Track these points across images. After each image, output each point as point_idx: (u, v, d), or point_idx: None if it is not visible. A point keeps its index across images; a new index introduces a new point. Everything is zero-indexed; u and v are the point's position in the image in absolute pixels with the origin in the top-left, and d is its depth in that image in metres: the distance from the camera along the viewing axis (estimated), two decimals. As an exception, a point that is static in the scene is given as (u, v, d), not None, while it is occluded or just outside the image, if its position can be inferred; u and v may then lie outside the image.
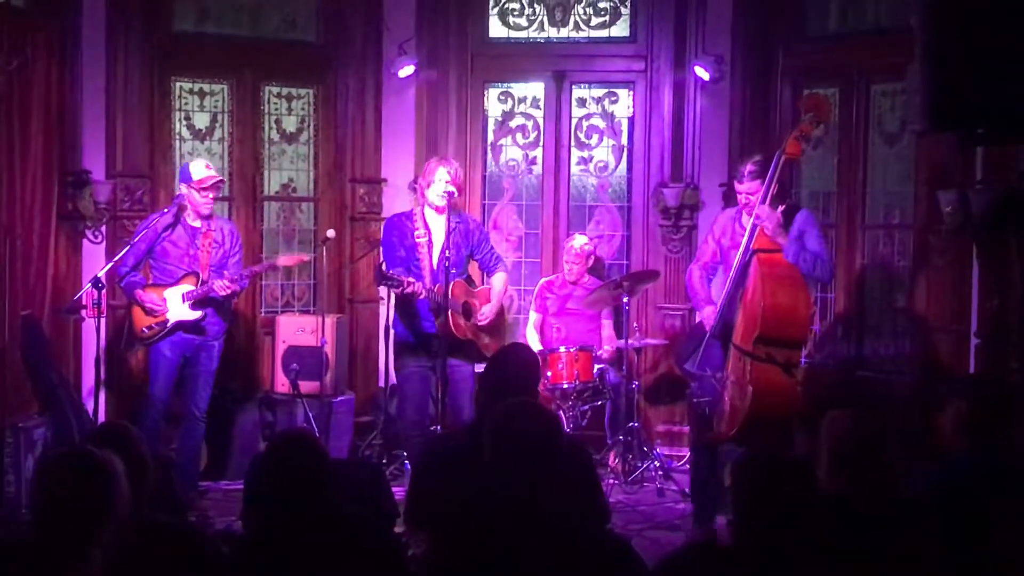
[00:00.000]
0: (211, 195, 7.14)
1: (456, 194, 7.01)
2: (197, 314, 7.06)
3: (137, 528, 3.06)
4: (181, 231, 7.13)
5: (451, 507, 4.18)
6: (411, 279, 6.78)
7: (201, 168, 7.15)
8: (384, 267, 6.80)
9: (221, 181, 7.38)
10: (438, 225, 7.05)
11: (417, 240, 7.01)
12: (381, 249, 7.24)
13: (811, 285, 6.71)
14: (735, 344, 6.27)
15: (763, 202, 6.34)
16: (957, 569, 3.44)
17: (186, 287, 7.05)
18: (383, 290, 7.97)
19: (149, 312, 7.00)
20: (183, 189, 7.14)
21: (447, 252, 6.82)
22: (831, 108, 7.27)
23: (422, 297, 6.81)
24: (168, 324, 7.02)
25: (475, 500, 3.97)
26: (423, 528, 4.44)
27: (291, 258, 7.78)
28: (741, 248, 6.39)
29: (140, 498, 3.62)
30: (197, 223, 7.15)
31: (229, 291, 7.08)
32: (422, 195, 7.14)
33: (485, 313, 7.11)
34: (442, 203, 6.98)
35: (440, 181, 6.98)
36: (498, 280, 7.30)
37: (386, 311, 7.67)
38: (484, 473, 3.96)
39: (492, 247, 7.42)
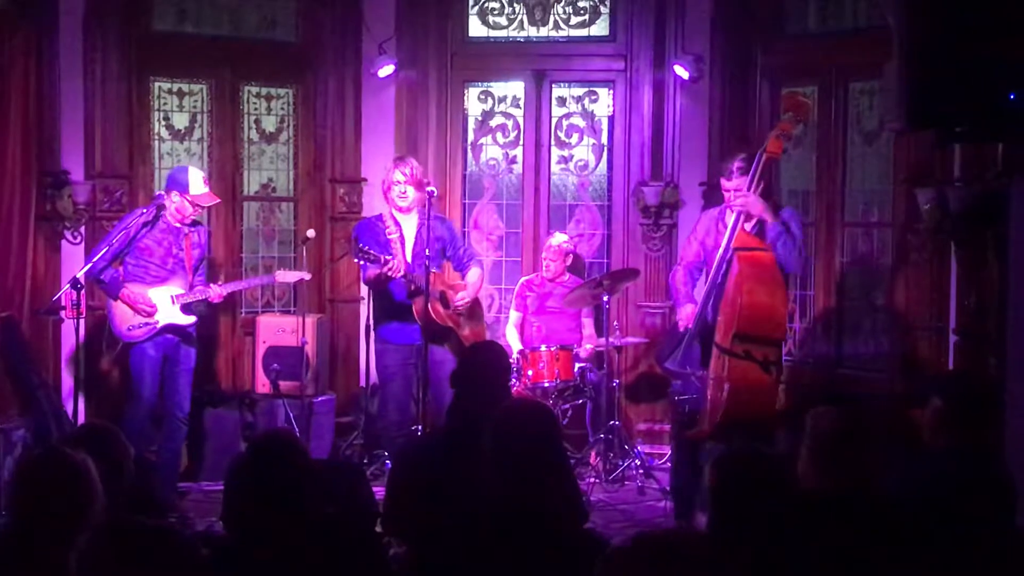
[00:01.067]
0: (201, 211, 7.18)
1: (434, 193, 7.13)
2: (191, 319, 7.06)
3: (115, 530, 3.05)
4: (165, 230, 7.07)
5: (428, 508, 4.18)
6: (388, 256, 6.91)
7: (200, 183, 7.09)
8: (359, 242, 6.92)
9: (218, 204, 7.40)
10: (409, 223, 7.26)
11: (389, 237, 7.19)
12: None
13: (788, 280, 6.73)
14: (716, 342, 6.29)
15: (748, 191, 6.40)
16: (934, 565, 3.45)
17: (175, 289, 7.00)
18: (364, 289, 7.98)
19: (140, 313, 6.96)
20: (174, 197, 7.05)
21: (426, 250, 6.87)
22: (811, 107, 7.30)
23: (399, 276, 6.91)
24: (157, 326, 6.99)
25: (452, 501, 3.97)
26: (401, 529, 4.45)
27: (291, 275, 7.61)
28: (722, 246, 6.41)
29: (119, 499, 3.61)
30: (178, 224, 7.11)
31: (222, 299, 7.14)
32: (386, 199, 7.31)
33: (461, 296, 7.24)
34: (403, 203, 7.22)
35: (398, 183, 7.13)
36: (473, 274, 7.46)
37: (367, 310, 7.66)
38: (465, 473, 3.97)
39: (464, 245, 7.58)
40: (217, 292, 7.04)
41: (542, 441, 3.82)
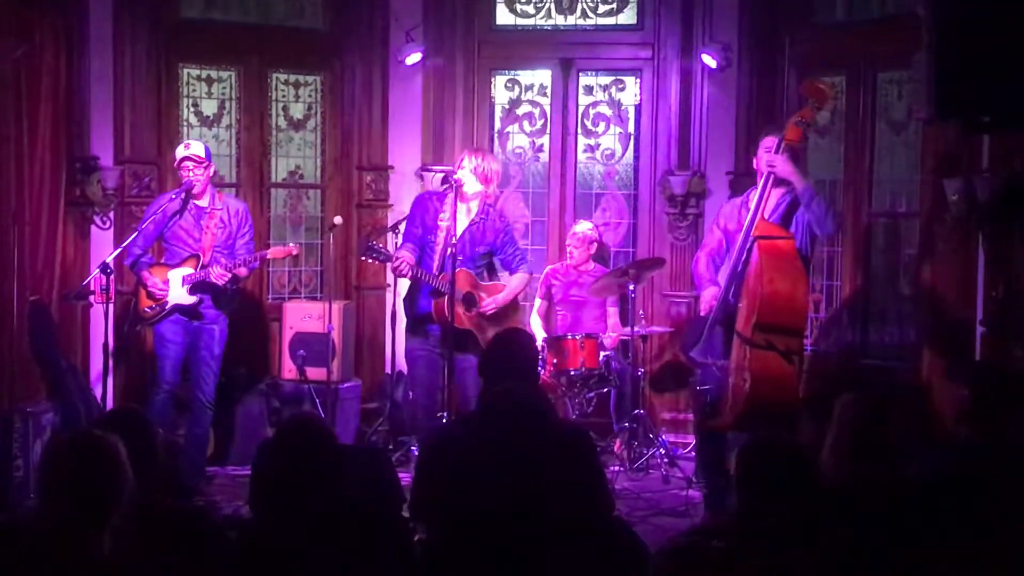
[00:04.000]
0: (185, 175, 7.05)
1: (461, 182, 6.91)
2: (193, 299, 7.05)
3: (146, 512, 3.08)
4: (188, 212, 7.14)
5: (454, 496, 4.19)
6: (398, 255, 6.76)
7: (180, 149, 7.17)
8: (369, 239, 6.81)
9: (187, 159, 7.07)
10: (465, 212, 6.99)
11: (439, 223, 6.94)
12: (405, 222, 7.24)
13: (810, 269, 6.67)
14: (736, 331, 6.28)
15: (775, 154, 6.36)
16: (955, 555, 3.45)
17: (187, 270, 7.06)
18: (390, 276, 7.99)
19: (149, 295, 7.05)
20: None
21: (452, 239, 6.77)
22: (830, 93, 7.23)
23: (406, 275, 6.80)
24: (167, 306, 7.05)
25: (477, 487, 3.98)
26: (428, 515, 4.46)
27: (280, 251, 7.55)
28: (742, 234, 6.37)
29: (150, 482, 3.65)
30: (203, 203, 7.15)
31: (225, 279, 7.04)
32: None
33: (488, 302, 7.06)
34: (464, 189, 6.93)
35: (461, 168, 6.95)
36: (515, 279, 7.24)
37: (392, 298, 7.67)
38: (485, 460, 3.98)
39: (517, 248, 7.30)
40: (218, 273, 7.02)
41: (531, 427, 3.82)
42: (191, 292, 7.05)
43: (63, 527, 3.17)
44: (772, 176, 6.36)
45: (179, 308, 7.07)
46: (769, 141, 6.49)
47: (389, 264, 6.89)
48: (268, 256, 7.50)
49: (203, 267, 7.03)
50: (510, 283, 7.24)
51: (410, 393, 7.63)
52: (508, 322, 7.18)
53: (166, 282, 7.03)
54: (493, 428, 3.88)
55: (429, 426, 6.88)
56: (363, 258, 7.08)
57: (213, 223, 7.13)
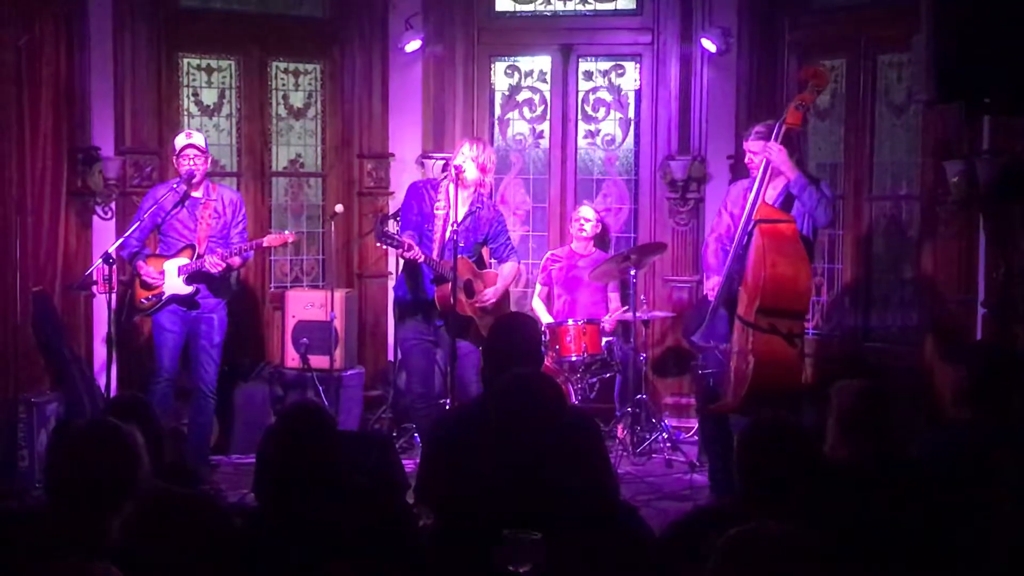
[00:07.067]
0: (186, 164, 7.06)
1: (462, 168, 6.86)
2: (189, 289, 7.07)
3: (156, 499, 3.10)
4: (186, 203, 7.16)
5: (460, 481, 4.21)
6: (411, 242, 6.66)
7: (181, 137, 7.19)
8: (385, 223, 6.74)
9: (189, 146, 7.10)
10: (463, 202, 6.88)
11: (436, 211, 6.89)
12: (400, 210, 7.22)
13: (813, 253, 6.68)
14: (738, 315, 6.28)
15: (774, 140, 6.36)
16: (956, 536, 3.47)
17: (183, 260, 7.08)
18: (391, 264, 7.97)
19: (144, 286, 7.06)
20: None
21: (453, 225, 6.71)
22: (829, 77, 7.22)
23: (420, 261, 6.70)
24: (164, 296, 7.07)
25: (483, 473, 3.99)
26: (433, 502, 4.48)
27: (276, 238, 7.51)
28: (743, 218, 6.38)
29: (156, 470, 3.66)
30: (198, 193, 7.16)
31: (220, 268, 7.06)
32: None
33: (488, 295, 7.04)
34: (463, 176, 6.83)
35: (461, 155, 6.85)
36: (507, 267, 7.22)
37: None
38: (492, 445, 3.99)
39: (508, 240, 7.29)
40: (213, 262, 7.03)
41: (545, 413, 3.83)
42: (187, 282, 7.07)
43: (75, 514, 3.18)
44: (771, 163, 6.37)
45: (176, 298, 7.09)
46: (753, 143, 6.50)
47: (399, 250, 6.79)
48: (264, 244, 7.47)
49: (198, 257, 7.06)
50: (502, 272, 7.23)
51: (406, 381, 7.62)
52: (503, 310, 7.20)
53: (162, 273, 7.05)
54: (501, 413, 3.88)
55: (427, 414, 6.87)
56: (378, 244, 7.04)
57: (208, 213, 7.15)
